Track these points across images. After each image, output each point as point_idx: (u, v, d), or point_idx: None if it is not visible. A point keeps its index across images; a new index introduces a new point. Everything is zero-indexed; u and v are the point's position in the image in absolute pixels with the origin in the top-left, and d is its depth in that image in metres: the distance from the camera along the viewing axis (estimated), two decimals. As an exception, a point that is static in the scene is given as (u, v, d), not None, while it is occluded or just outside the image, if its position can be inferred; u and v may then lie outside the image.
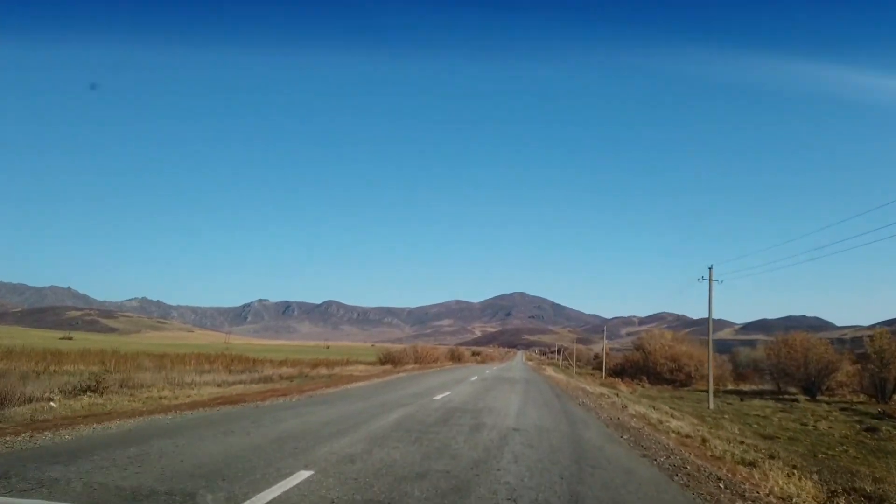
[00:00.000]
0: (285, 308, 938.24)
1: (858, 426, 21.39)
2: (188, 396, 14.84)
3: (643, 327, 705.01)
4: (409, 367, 49.65)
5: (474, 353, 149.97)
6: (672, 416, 18.88)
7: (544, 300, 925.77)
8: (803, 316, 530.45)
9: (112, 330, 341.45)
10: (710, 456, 9.60)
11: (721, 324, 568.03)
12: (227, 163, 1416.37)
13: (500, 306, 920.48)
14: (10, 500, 4.70)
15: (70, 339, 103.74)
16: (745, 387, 51.18)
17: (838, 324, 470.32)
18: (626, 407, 18.88)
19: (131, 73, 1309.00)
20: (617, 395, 28.36)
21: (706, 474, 7.52)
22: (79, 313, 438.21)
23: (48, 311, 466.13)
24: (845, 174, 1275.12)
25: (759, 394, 43.11)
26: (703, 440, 11.74)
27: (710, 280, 32.74)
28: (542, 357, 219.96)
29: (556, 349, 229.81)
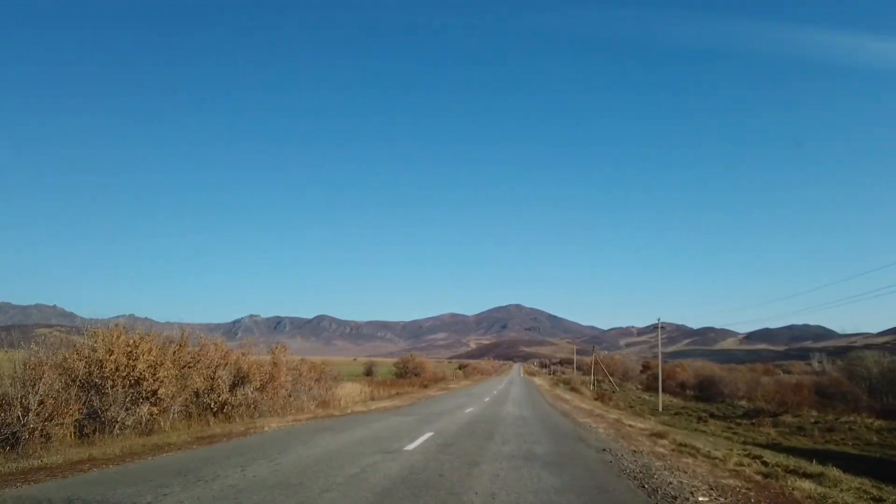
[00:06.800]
0: (276, 323, 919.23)
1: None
2: None
3: (642, 338, 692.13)
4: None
5: (461, 367, 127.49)
6: None
7: (541, 312, 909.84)
8: (805, 325, 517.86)
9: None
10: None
11: (724, 333, 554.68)
12: (217, 178, 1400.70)
13: (496, 319, 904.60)
14: None
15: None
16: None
17: (841, 332, 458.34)
18: None
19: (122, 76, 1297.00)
20: None
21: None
22: (47, 330, 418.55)
23: (14, 329, 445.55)
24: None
25: None
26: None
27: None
28: (543, 370, 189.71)
29: (560, 361, 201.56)
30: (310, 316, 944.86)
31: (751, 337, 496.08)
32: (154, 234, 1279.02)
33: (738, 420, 37.72)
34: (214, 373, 17.70)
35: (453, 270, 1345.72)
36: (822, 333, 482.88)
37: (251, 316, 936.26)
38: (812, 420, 34.26)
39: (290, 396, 22.90)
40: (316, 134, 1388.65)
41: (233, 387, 18.57)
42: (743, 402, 47.08)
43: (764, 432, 31.36)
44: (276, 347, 23.35)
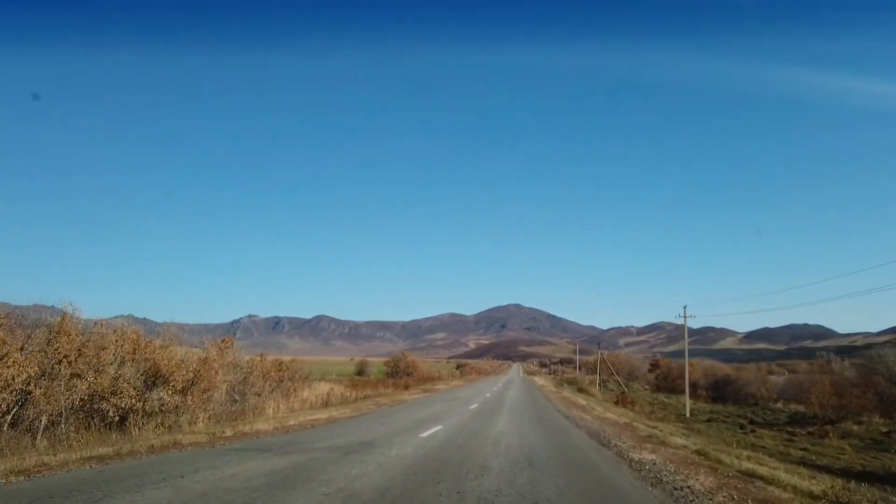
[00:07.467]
0: (275, 324, 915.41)
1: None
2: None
3: (641, 337, 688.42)
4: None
5: (458, 367, 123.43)
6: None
7: (540, 312, 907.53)
8: (805, 324, 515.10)
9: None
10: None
11: (724, 332, 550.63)
12: (216, 178, 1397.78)
13: (495, 318, 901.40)
14: None
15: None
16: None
17: (841, 331, 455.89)
18: None
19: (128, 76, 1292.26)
20: None
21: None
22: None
23: None
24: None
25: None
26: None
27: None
28: (543, 370, 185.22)
29: (560, 360, 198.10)
30: (308, 316, 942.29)
31: (750, 336, 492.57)
32: (154, 235, 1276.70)
33: (787, 429, 31.21)
34: (117, 370, 13.95)
35: (452, 270, 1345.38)
36: (822, 332, 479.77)
37: (250, 316, 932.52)
38: (884, 429, 27.95)
39: (235, 402, 19.41)
40: (315, 134, 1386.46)
41: (145, 389, 14.64)
42: (779, 405, 42.71)
43: (836, 447, 24.52)
44: (219, 341, 19.63)
